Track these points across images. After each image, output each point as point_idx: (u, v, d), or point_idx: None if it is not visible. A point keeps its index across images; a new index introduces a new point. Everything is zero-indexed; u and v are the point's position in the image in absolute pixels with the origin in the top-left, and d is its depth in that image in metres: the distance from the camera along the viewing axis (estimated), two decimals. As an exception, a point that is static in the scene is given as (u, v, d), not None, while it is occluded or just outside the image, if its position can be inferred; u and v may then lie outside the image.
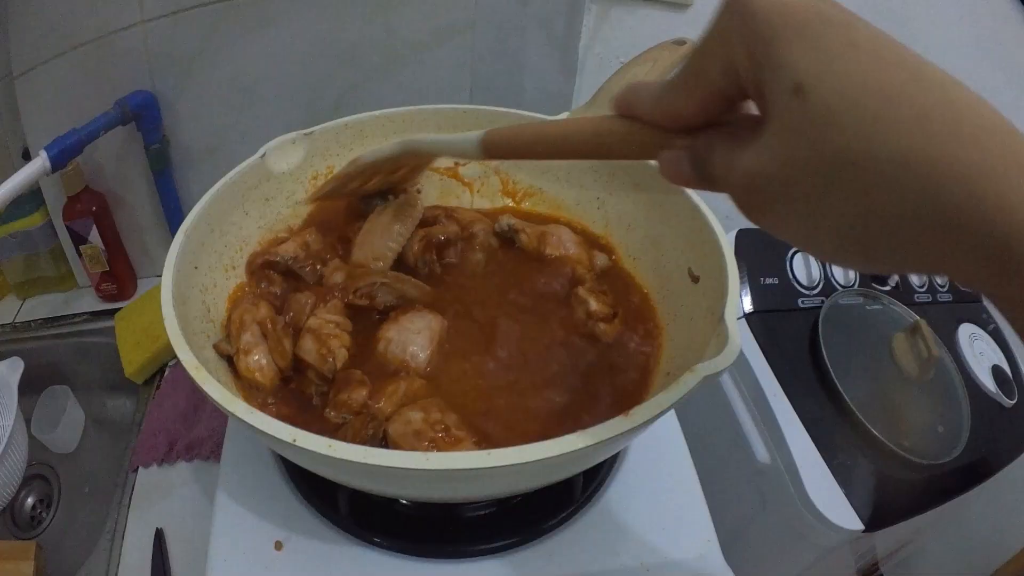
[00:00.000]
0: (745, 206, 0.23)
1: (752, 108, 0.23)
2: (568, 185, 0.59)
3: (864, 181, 0.19)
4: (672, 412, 0.53)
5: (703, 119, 0.24)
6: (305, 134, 0.54)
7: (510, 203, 0.62)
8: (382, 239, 0.50)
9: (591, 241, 0.56)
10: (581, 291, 0.49)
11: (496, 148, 0.35)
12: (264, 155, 0.52)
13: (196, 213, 0.46)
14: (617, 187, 0.55)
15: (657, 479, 0.49)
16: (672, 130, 0.25)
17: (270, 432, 0.32)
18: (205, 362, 0.37)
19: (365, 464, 0.30)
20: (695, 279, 0.46)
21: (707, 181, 0.25)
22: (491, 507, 0.46)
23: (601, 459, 0.44)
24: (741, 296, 0.73)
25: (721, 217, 0.87)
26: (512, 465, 0.30)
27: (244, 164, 0.51)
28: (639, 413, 0.33)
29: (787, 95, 0.20)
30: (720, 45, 0.22)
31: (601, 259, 0.54)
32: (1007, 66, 0.79)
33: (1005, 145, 0.18)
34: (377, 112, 0.56)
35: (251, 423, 0.33)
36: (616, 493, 0.47)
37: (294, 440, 0.32)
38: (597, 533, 0.45)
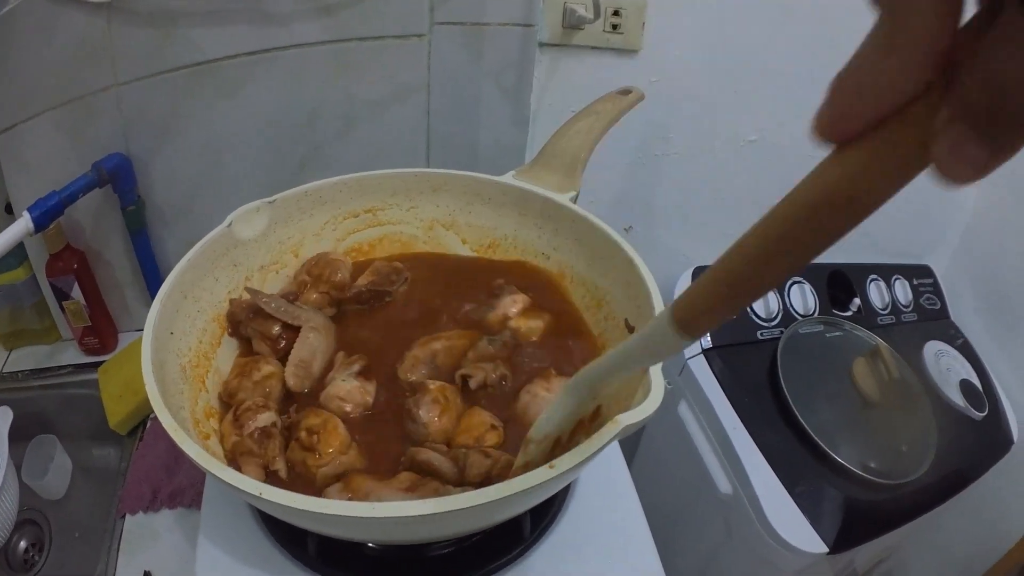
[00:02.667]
0: None
1: None
2: (516, 240, 0.67)
3: None
4: (618, 450, 0.61)
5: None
6: (268, 202, 0.62)
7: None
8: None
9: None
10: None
11: (696, 314, 0.26)
12: (231, 224, 0.60)
13: (169, 282, 0.54)
14: (560, 242, 0.63)
15: (604, 514, 0.56)
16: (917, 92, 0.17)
17: (239, 486, 0.40)
18: (183, 422, 0.45)
19: (319, 514, 0.38)
20: (631, 330, 0.54)
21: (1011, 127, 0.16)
22: (450, 547, 0.54)
23: (534, 503, 0.50)
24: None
25: (678, 255, 0.95)
26: (449, 512, 0.38)
27: (212, 233, 0.59)
28: (561, 463, 0.41)
29: None
30: None
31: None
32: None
33: None
34: (335, 179, 0.64)
35: (223, 479, 0.41)
36: (566, 530, 0.55)
37: (260, 493, 0.40)
38: (548, 568, 0.53)
